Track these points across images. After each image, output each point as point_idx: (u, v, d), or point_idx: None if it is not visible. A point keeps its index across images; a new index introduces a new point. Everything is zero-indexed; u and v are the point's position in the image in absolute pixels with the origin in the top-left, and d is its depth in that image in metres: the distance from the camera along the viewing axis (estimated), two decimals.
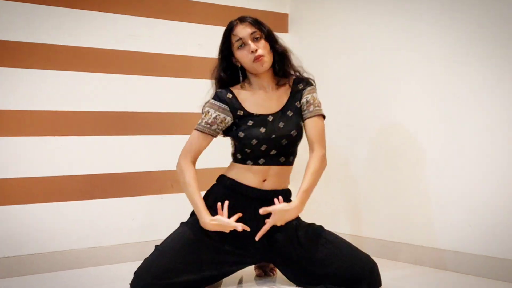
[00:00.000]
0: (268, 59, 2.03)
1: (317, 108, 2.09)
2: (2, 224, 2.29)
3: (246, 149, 2.05)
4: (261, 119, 2.06)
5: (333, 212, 2.91)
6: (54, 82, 2.44)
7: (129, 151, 2.64)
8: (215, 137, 2.10)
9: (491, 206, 2.23)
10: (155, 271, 1.91)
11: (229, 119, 2.07)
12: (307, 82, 2.13)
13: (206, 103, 2.09)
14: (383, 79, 2.72)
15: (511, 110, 2.18)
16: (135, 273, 1.95)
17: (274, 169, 2.08)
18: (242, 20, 2.05)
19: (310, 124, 2.11)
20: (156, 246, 2.03)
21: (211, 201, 2.08)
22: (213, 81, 2.15)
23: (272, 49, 2.07)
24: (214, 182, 2.17)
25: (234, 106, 2.07)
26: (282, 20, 3.23)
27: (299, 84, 2.11)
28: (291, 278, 2.09)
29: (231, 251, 2.03)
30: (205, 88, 2.56)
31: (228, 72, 2.11)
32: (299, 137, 2.10)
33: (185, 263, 1.96)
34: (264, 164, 2.07)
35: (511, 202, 2.14)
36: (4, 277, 2.24)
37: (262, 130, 2.04)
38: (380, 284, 1.96)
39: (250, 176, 2.08)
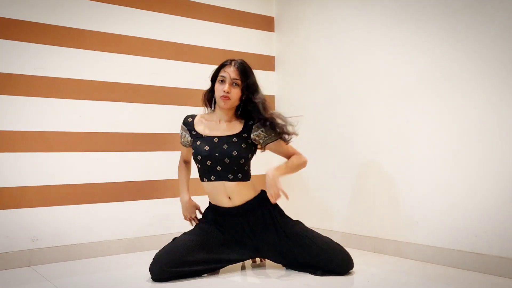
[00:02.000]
0: (231, 102, 2.15)
1: (274, 136, 2.18)
2: (52, 221, 2.44)
3: (197, 164, 2.22)
4: (207, 139, 2.19)
5: (325, 212, 2.96)
6: (92, 110, 2.58)
7: (150, 164, 2.76)
8: (189, 147, 2.29)
9: (458, 207, 2.30)
10: (169, 260, 2.05)
11: (187, 136, 2.27)
12: (261, 123, 2.19)
13: (182, 124, 2.32)
14: (355, 106, 2.76)
15: (469, 114, 2.25)
16: (154, 258, 2.10)
17: (228, 185, 2.17)
18: (235, 64, 2.17)
19: (274, 146, 2.22)
20: (174, 238, 2.22)
21: (208, 220, 2.26)
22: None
23: (246, 98, 2.17)
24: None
25: (190, 128, 2.27)
26: (269, 61, 3.30)
27: (250, 122, 2.21)
28: (283, 263, 2.24)
29: (233, 250, 2.17)
30: None
31: (210, 94, 2.28)
32: (240, 157, 2.15)
33: (193, 257, 2.08)
34: (216, 180, 2.17)
35: (477, 203, 2.21)
36: (52, 262, 2.41)
37: (206, 148, 2.18)
38: (352, 267, 2.16)
39: (218, 196, 2.20)
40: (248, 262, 2.43)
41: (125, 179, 2.69)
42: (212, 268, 2.15)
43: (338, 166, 2.88)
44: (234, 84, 2.16)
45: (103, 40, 2.64)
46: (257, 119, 2.19)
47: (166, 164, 2.83)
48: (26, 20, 2.41)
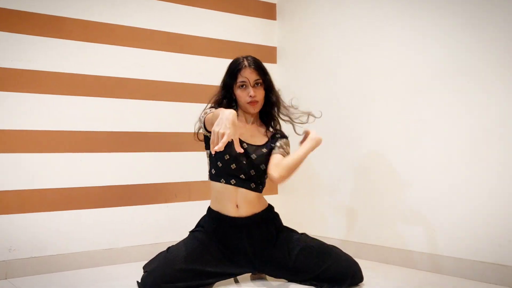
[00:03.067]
0: (260, 105, 2.19)
1: (282, 151, 2.18)
2: (29, 229, 2.39)
3: (218, 162, 2.13)
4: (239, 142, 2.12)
5: (322, 219, 2.99)
6: (76, 106, 2.55)
7: (139, 166, 2.73)
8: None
9: (455, 213, 2.33)
10: (164, 274, 1.99)
11: None
12: (284, 136, 2.26)
13: (206, 108, 2.15)
14: (361, 105, 2.76)
15: (469, 120, 2.27)
16: (146, 271, 2.06)
17: (243, 193, 2.14)
18: (250, 64, 2.16)
19: (273, 155, 2.19)
20: (168, 248, 2.15)
21: (204, 233, 2.16)
22: (208, 104, 2.21)
23: (266, 96, 2.21)
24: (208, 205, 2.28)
25: None
26: (270, 52, 3.29)
27: (277, 135, 2.24)
28: (286, 278, 2.20)
29: (230, 264, 2.13)
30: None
31: (225, 100, 2.22)
32: (266, 171, 2.16)
33: (190, 271, 2.03)
34: (235, 185, 2.13)
35: (500, 209, 2.19)
36: (31, 274, 2.35)
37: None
38: (362, 279, 2.12)
39: (226, 202, 2.14)
40: (247, 275, 2.38)
41: (111, 183, 2.67)
42: (207, 282, 2.10)
43: (343, 167, 2.90)
44: (256, 85, 2.19)
45: (86, 29, 2.61)
46: (275, 118, 2.28)
47: (157, 166, 2.82)
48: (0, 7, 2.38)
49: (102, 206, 2.61)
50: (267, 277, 2.35)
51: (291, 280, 2.21)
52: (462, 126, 2.34)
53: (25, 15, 2.42)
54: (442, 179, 2.40)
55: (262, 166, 2.16)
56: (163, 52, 2.84)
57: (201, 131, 2.22)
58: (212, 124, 1.83)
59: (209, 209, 2.25)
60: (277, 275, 2.22)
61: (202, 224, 2.24)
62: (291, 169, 2.13)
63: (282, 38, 3.29)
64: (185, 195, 2.89)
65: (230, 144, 1.96)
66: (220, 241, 2.16)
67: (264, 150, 2.20)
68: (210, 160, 2.22)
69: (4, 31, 2.36)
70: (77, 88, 2.56)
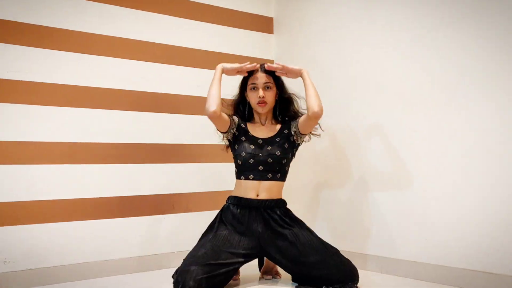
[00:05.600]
0: (269, 105, 2.39)
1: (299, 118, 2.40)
2: (25, 241, 2.36)
3: (238, 161, 2.38)
4: (253, 139, 2.39)
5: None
6: (72, 118, 2.55)
7: (136, 177, 2.73)
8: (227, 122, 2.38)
9: (446, 222, 2.35)
10: (204, 264, 2.11)
11: (237, 120, 2.43)
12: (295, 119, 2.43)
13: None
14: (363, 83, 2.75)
15: (471, 128, 2.29)
16: (180, 269, 2.12)
17: (264, 183, 2.35)
18: (261, 68, 2.41)
19: (303, 121, 2.38)
20: (193, 251, 2.23)
21: (225, 216, 2.35)
22: None
23: (278, 96, 2.43)
24: (224, 202, 2.44)
25: (240, 121, 2.44)
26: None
27: (287, 118, 2.46)
28: (290, 273, 2.32)
29: (243, 252, 2.26)
30: (201, 123, 2.80)
31: (240, 103, 2.50)
32: (282, 157, 2.36)
33: (224, 259, 2.18)
34: (254, 179, 2.35)
35: (490, 218, 2.21)
36: (26, 287, 2.32)
37: (252, 146, 2.37)
38: (358, 279, 2.23)
39: (248, 191, 2.35)
40: (256, 274, 2.52)
41: (107, 195, 2.65)
42: (235, 268, 2.25)
43: (337, 178, 2.91)
44: (266, 87, 2.40)
45: (84, 41, 2.60)
46: (293, 113, 2.46)
47: (155, 178, 2.81)
48: None
49: (98, 217, 2.60)
50: (275, 280, 2.47)
51: (291, 273, 2.32)
52: (454, 136, 2.35)
53: (23, 26, 2.42)
54: (433, 188, 2.42)
55: (278, 152, 2.36)
56: (161, 64, 2.85)
57: (223, 142, 2.49)
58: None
59: (229, 196, 2.43)
60: (280, 262, 2.32)
61: (222, 216, 2.39)
62: (317, 97, 2.34)
63: (279, 51, 3.32)
64: (183, 206, 2.88)
65: (243, 143, 2.38)
66: (234, 216, 2.34)
67: (278, 139, 2.41)
68: (234, 160, 2.44)
69: (2, 42, 2.36)
70: (73, 100, 2.56)
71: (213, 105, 2.28)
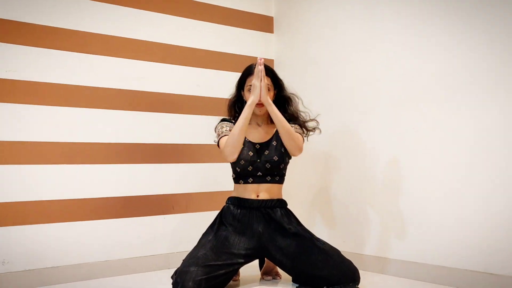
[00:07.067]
0: (265, 107, 2.33)
1: (293, 127, 2.36)
2: (24, 241, 2.36)
3: (237, 168, 2.36)
4: (250, 145, 2.37)
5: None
6: (72, 117, 2.54)
7: (136, 178, 2.73)
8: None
9: (437, 223, 2.38)
10: (203, 265, 2.10)
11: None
12: (294, 121, 2.41)
13: (218, 125, 2.41)
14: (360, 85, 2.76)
15: (466, 130, 2.29)
16: (180, 270, 2.11)
17: (263, 185, 2.37)
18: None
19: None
20: (191, 254, 2.20)
21: (225, 216, 2.35)
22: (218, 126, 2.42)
23: (275, 96, 2.40)
24: (224, 203, 2.44)
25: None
26: (267, 64, 3.31)
27: (290, 122, 2.39)
28: (290, 274, 2.32)
29: (243, 252, 2.26)
30: (201, 122, 2.83)
31: (237, 102, 2.47)
32: (280, 162, 2.37)
33: (221, 260, 2.18)
34: (253, 182, 2.37)
35: (490, 219, 2.21)
36: (27, 287, 2.32)
37: (250, 153, 2.35)
38: (359, 280, 2.23)
39: (248, 193, 2.36)
40: (257, 274, 2.53)
41: (107, 195, 2.65)
42: (235, 269, 2.26)
43: (336, 178, 2.92)
44: None
45: (84, 40, 2.60)
46: (290, 114, 2.44)
47: (155, 178, 2.81)
48: None
49: (98, 217, 2.60)
50: (275, 281, 2.48)
51: (291, 273, 2.32)
52: (454, 136, 2.36)
53: (21, 25, 2.42)
54: (433, 188, 2.43)
55: (275, 157, 2.37)
56: (161, 63, 2.85)
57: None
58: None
59: (229, 197, 2.44)
60: (280, 262, 2.32)
61: (222, 216, 2.39)
62: (290, 135, 2.32)
63: (279, 50, 3.33)
64: (182, 206, 2.88)
65: (243, 151, 2.35)
66: (234, 217, 2.36)
67: (274, 142, 2.41)
68: (231, 166, 2.43)
69: (0, 41, 2.37)
70: (72, 100, 2.55)
71: (233, 154, 2.29)
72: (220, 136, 2.36)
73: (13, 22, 2.39)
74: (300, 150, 2.35)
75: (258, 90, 2.27)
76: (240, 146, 2.29)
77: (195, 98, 2.94)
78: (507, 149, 2.17)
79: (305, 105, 2.54)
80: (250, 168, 2.35)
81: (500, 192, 2.19)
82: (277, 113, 2.30)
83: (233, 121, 2.43)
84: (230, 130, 2.35)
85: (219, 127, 2.40)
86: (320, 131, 2.49)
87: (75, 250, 2.51)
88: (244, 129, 2.27)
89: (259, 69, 2.26)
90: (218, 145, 2.39)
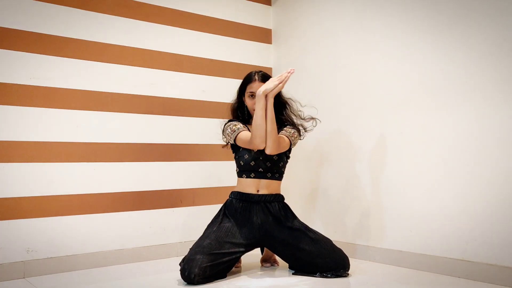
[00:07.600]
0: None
1: (285, 132, 2.40)
2: (46, 232, 2.41)
3: (241, 162, 2.42)
4: None
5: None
6: (90, 120, 2.58)
7: (147, 174, 2.76)
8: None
9: (430, 215, 2.38)
10: (208, 253, 2.17)
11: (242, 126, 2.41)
12: (292, 124, 2.46)
13: (228, 125, 2.41)
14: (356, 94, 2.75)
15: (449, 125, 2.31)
16: (186, 257, 2.19)
17: (263, 181, 2.42)
18: (259, 78, 2.42)
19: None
20: (198, 243, 2.26)
21: (228, 209, 2.40)
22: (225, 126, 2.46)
23: (275, 103, 2.36)
24: (227, 197, 2.49)
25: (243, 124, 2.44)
26: (266, 72, 3.19)
27: (286, 123, 2.47)
28: (287, 261, 2.39)
29: (244, 242, 2.31)
30: (206, 125, 2.84)
31: (238, 107, 2.52)
32: (279, 161, 2.43)
33: (226, 248, 2.24)
34: (254, 177, 2.41)
35: (467, 210, 2.24)
36: (47, 273, 2.38)
37: (251, 153, 2.39)
38: (349, 267, 2.29)
39: (249, 187, 2.40)
40: (257, 263, 2.55)
41: (122, 190, 2.68)
42: (237, 257, 2.30)
43: (330, 175, 2.91)
44: None
45: (101, 50, 2.63)
46: (287, 117, 2.47)
47: (164, 174, 2.84)
48: (20, 29, 2.40)
49: (114, 210, 2.63)
50: (273, 267, 2.51)
51: (288, 261, 2.37)
52: (436, 137, 2.37)
53: (44, 37, 2.45)
54: (416, 184, 2.45)
55: (275, 157, 2.41)
56: (171, 71, 2.87)
57: (225, 141, 2.49)
58: (244, 142, 2.35)
59: (232, 192, 2.46)
60: (278, 251, 2.37)
61: (225, 209, 2.43)
62: (263, 133, 2.30)
63: (277, 59, 3.33)
64: (190, 200, 2.93)
65: (243, 151, 2.39)
66: (236, 210, 2.37)
67: None
68: (235, 161, 2.48)
69: (25, 51, 2.40)
70: (91, 104, 2.58)
71: (263, 143, 2.29)
72: (236, 133, 2.37)
73: (36, 34, 2.43)
74: (273, 150, 2.31)
75: (271, 82, 2.28)
76: (264, 132, 2.28)
77: (201, 102, 2.98)
78: (481, 148, 2.21)
79: (301, 109, 2.55)
80: (252, 163, 2.38)
81: (475, 186, 2.22)
82: (265, 109, 2.28)
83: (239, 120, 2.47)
84: (244, 126, 2.40)
85: (231, 125, 2.41)
86: (316, 122, 2.49)
87: (93, 240, 2.54)
88: (264, 117, 2.26)
89: (286, 75, 2.28)
90: (234, 140, 2.40)
